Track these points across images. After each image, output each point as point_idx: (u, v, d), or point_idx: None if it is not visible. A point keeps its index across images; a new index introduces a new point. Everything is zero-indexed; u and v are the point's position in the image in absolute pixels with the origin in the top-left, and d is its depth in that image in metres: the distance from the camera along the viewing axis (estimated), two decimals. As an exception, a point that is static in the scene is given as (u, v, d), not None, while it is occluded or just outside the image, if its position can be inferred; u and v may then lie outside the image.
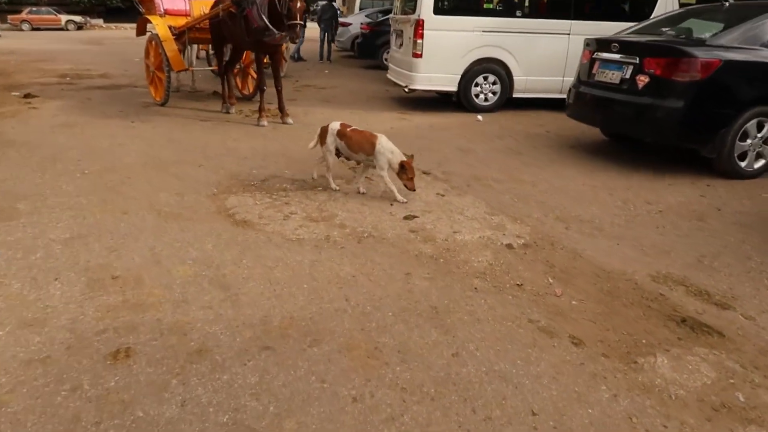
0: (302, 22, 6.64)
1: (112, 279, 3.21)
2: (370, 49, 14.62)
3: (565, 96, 8.78)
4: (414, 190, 4.62)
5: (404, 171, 4.54)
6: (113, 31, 33.77)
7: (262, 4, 6.87)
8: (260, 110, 7.56)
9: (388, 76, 9.90)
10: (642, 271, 3.53)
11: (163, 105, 8.74)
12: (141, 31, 9.35)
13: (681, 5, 8.78)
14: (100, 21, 37.59)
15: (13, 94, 9.79)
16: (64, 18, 33.00)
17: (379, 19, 15.00)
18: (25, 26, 31.95)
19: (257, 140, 6.70)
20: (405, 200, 4.65)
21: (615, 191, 5.07)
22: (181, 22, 8.67)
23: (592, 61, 6.09)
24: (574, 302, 3.15)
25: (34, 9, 33.28)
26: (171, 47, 8.31)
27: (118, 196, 4.63)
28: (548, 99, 8.93)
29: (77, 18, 33.85)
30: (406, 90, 8.63)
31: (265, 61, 7.64)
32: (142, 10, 9.13)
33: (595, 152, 6.48)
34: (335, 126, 4.80)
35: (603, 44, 6.01)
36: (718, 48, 5.13)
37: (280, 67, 7.59)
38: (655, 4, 8.78)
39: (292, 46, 14.25)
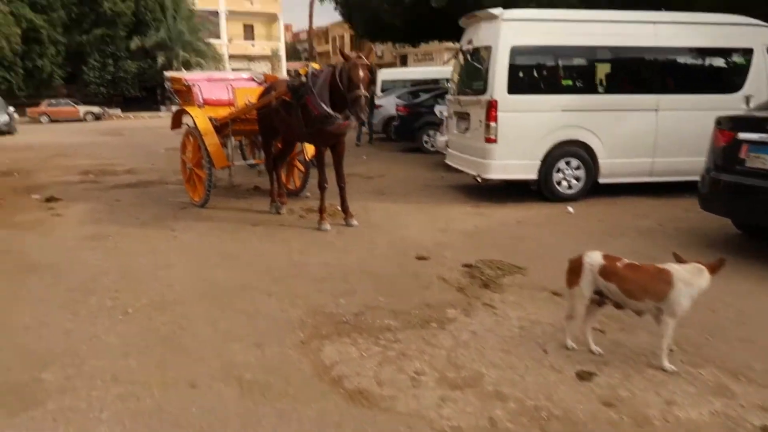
0: (366, 94, 5.68)
1: None
2: (409, 131, 13.83)
3: (654, 179, 7.79)
4: None
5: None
6: (131, 121, 33.91)
7: (322, 88, 5.97)
8: (321, 211, 6.49)
9: (448, 162, 8.92)
10: None
11: (202, 206, 7.73)
12: (176, 124, 8.50)
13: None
14: (117, 111, 37.87)
15: (33, 197, 8.88)
16: (82, 109, 33.18)
17: (416, 101, 14.31)
18: (44, 119, 32.06)
19: (327, 251, 5.58)
20: (675, 369, 3.14)
21: (828, 316, 3.84)
22: (222, 112, 7.82)
23: (736, 143, 5.03)
24: None
25: (53, 101, 33.52)
26: (212, 141, 7.39)
27: (178, 352, 3.45)
28: (634, 183, 7.87)
29: (95, 109, 34.04)
30: (479, 180, 7.59)
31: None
32: (177, 101, 8.30)
33: (745, 253, 5.27)
34: (595, 259, 3.19)
35: (750, 123, 4.97)
36: None
37: (342, 158, 6.59)
38: (747, 74, 7.86)
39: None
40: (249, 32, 51.30)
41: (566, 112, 7.37)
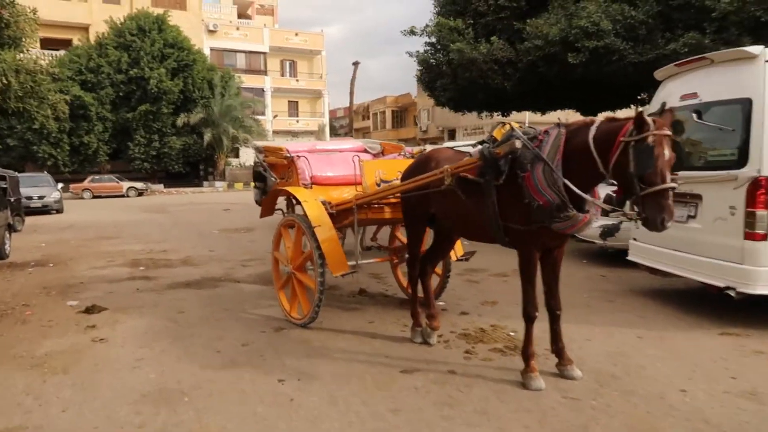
0: (676, 185, 3.25)
1: None
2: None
3: None
4: None
5: None
6: (174, 197, 32.50)
7: (554, 160, 3.59)
8: (529, 358, 3.93)
9: (635, 258, 6.38)
10: None
11: (305, 326, 5.32)
12: (269, 209, 6.22)
13: None
14: (160, 186, 36.76)
15: (69, 304, 6.59)
16: (125, 185, 31.98)
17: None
18: (86, 194, 30.85)
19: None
20: None
21: None
22: (337, 194, 5.53)
23: None
24: None
25: (96, 177, 32.50)
26: (328, 236, 5.06)
27: None
28: None
29: (139, 185, 32.83)
30: (733, 294, 4.98)
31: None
32: (273, 177, 6.03)
33: None
34: None
35: None
36: None
37: (559, 270, 4.11)
38: None
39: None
40: (293, 108, 50.94)
41: None
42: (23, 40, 8.53)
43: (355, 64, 50.69)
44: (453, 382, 4.02)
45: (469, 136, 43.56)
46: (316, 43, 50.67)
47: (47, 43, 35.88)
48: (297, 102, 51.16)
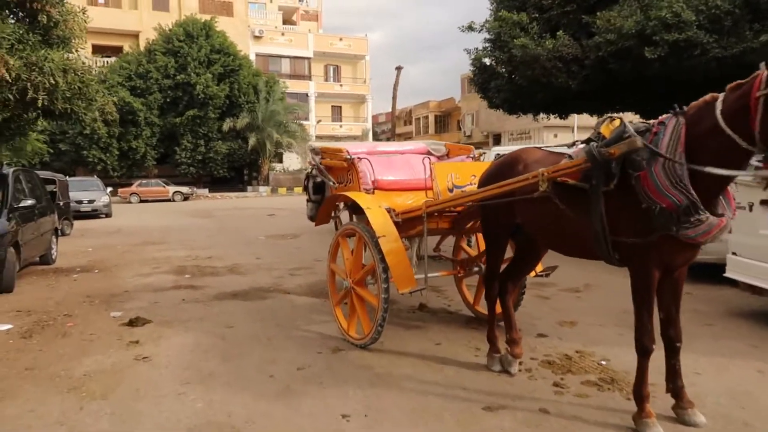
0: None
1: None
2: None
3: None
4: None
5: None
6: (218, 201, 32.67)
7: (675, 154, 2.93)
8: (643, 399, 3.25)
9: (736, 276, 5.62)
10: None
11: (365, 346, 4.77)
12: (325, 217, 5.71)
13: None
14: (205, 191, 37.05)
15: (112, 315, 6.23)
16: (172, 189, 32.31)
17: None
18: (134, 198, 31.28)
19: None
20: None
21: None
22: (404, 200, 4.98)
23: None
24: None
25: (143, 182, 32.94)
26: (394, 248, 4.49)
27: None
28: None
29: (184, 189, 33.12)
30: None
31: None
32: (332, 182, 5.52)
33: None
34: None
35: None
36: None
37: (681, 293, 3.43)
38: None
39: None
40: (337, 113, 50.91)
41: None
42: (72, 40, 8.34)
43: (398, 68, 50.30)
44: (547, 424, 3.39)
45: (515, 141, 42.53)
46: (360, 47, 50.52)
47: (99, 50, 36.87)
48: (340, 107, 51.12)
